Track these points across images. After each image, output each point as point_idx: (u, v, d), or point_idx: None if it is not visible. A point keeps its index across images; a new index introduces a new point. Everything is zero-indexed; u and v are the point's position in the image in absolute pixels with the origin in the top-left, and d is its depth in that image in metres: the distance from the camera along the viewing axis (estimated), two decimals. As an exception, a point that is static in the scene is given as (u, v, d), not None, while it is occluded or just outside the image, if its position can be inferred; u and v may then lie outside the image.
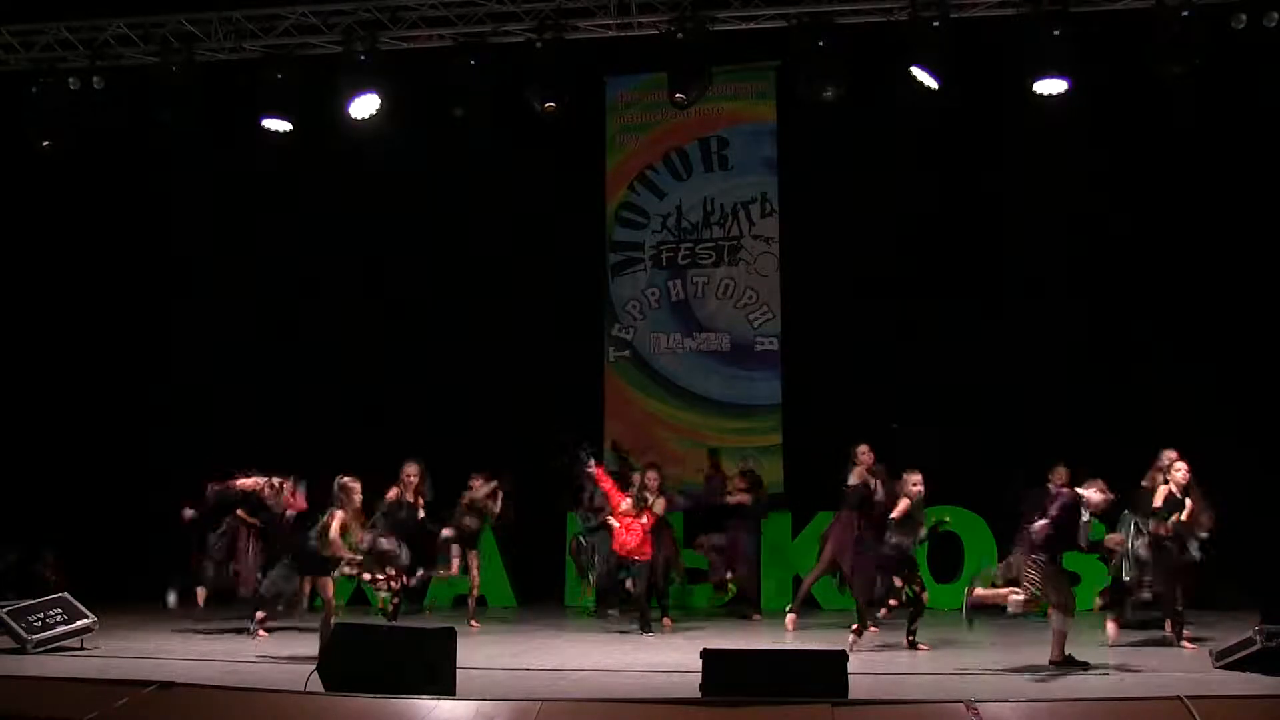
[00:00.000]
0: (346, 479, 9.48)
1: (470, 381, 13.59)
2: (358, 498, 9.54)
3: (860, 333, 12.92)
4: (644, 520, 11.10)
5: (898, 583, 9.93)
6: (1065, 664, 8.72)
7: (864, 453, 11.01)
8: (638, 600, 11.30)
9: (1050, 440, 11.56)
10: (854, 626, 9.82)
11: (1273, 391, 11.98)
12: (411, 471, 11.04)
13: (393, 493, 10.91)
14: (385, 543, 10.53)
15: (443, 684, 7.23)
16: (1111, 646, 9.80)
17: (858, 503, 10.81)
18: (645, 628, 11.15)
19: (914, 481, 9.93)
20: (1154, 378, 12.09)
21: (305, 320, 13.85)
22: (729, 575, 12.18)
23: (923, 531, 9.99)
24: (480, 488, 11.81)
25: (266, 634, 10.89)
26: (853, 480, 10.87)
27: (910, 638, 10.04)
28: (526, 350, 13.44)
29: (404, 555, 10.82)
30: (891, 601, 9.98)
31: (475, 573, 11.87)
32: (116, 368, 14.06)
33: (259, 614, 10.93)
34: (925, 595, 10.19)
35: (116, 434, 13.75)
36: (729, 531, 12.09)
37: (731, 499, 12.14)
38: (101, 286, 14.22)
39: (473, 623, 11.56)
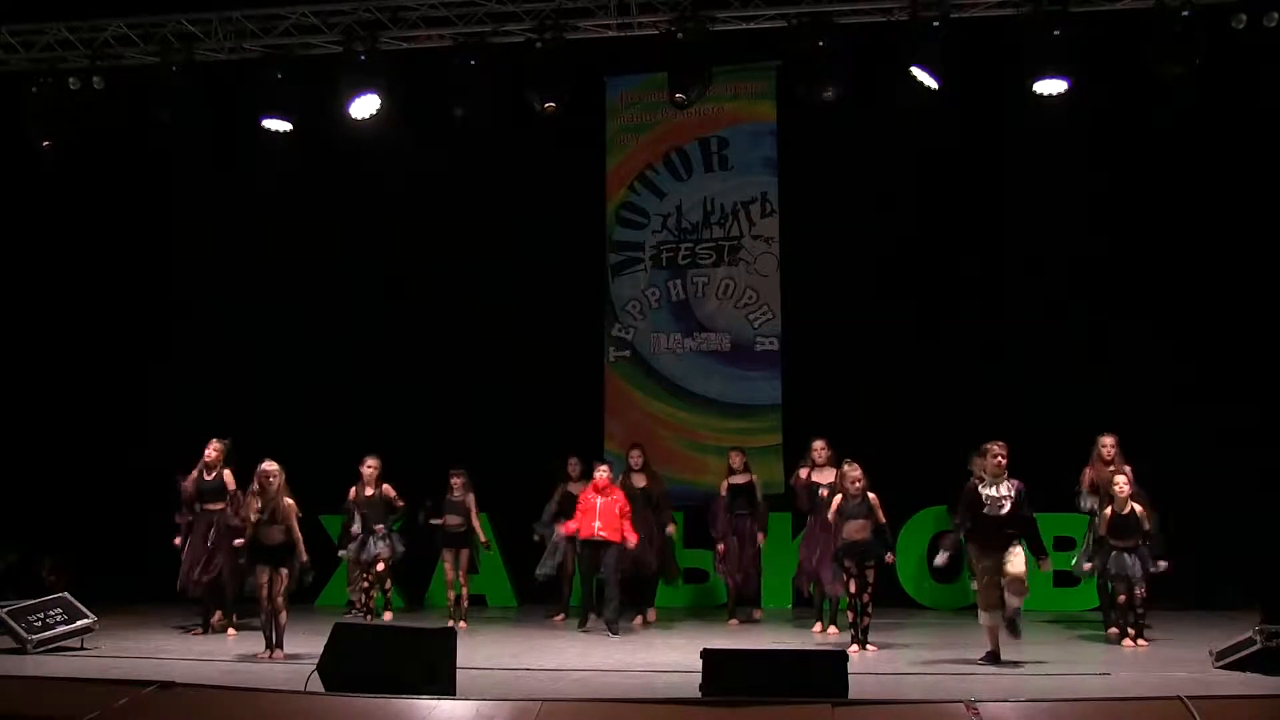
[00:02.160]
0: (267, 466, 9.62)
1: (470, 381, 13.57)
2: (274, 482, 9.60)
3: (860, 332, 12.89)
4: (613, 497, 11.07)
5: (847, 568, 9.81)
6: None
7: (819, 450, 11.11)
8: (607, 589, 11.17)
9: (1051, 440, 11.55)
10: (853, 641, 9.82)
11: (1274, 392, 11.97)
12: (372, 464, 11.34)
13: (353, 492, 11.36)
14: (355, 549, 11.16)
15: (443, 684, 7.24)
16: (1115, 646, 9.87)
17: (808, 503, 11.06)
18: (613, 628, 10.97)
19: (854, 478, 9.84)
20: (1155, 378, 12.09)
21: (305, 321, 13.80)
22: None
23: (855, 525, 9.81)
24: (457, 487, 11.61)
25: (235, 631, 11.09)
26: (794, 481, 11.26)
27: (854, 634, 9.85)
28: (526, 350, 13.42)
29: (374, 549, 11.11)
30: (853, 589, 9.82)
31: (457, 574, 11.64)
32: (117, 368, 14.03)
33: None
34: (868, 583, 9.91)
35: (117, 434, 13.73)
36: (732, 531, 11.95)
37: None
38: (101, 287, 14.19)
39: (461, 623, 11.33)
